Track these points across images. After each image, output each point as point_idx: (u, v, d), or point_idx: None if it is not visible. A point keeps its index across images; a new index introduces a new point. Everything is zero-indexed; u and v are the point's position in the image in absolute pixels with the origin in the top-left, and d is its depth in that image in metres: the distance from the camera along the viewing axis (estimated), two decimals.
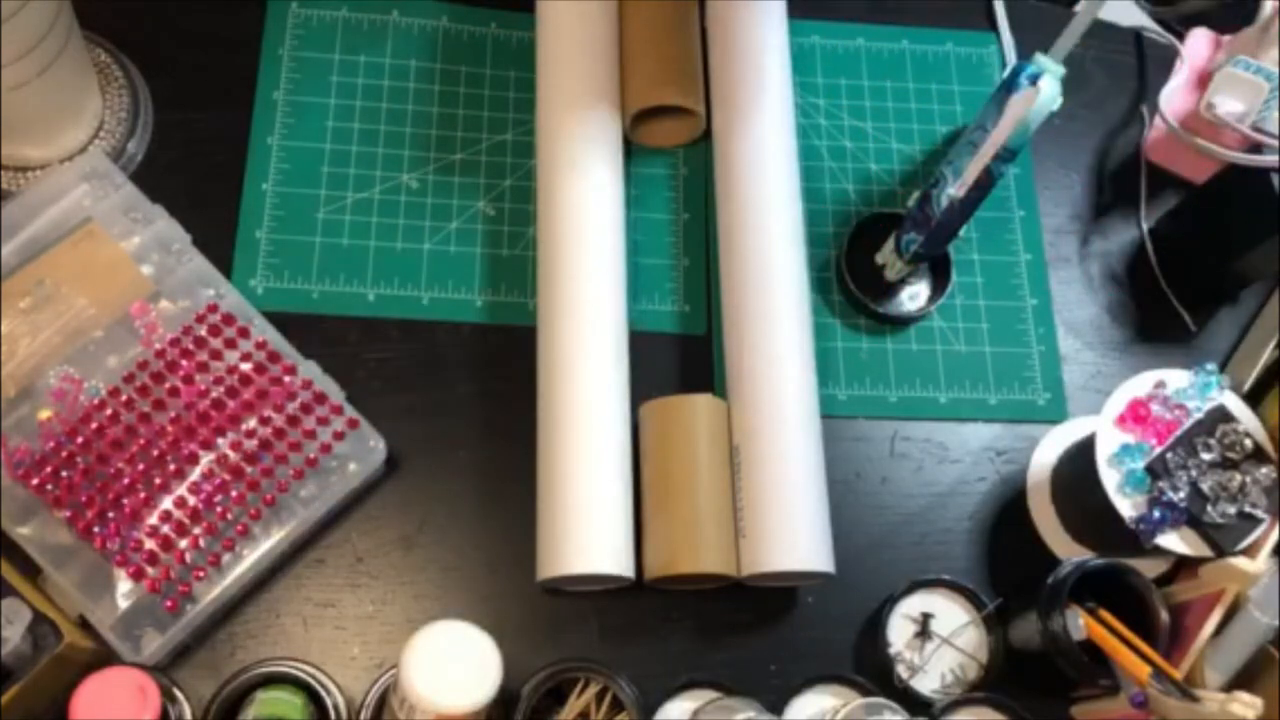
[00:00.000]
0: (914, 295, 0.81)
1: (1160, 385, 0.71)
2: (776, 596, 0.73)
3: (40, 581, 0.66)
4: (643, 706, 0.67)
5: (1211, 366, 0.71)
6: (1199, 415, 0.70)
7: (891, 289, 0.81)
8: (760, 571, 0.69)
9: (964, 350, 0.81)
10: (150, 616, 0.65)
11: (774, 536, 0.69)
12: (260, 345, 0.71)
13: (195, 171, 0.78)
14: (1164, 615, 0.68)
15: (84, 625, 0.66)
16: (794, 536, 0.69)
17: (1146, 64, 0.92)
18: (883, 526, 0.76)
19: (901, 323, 0.80)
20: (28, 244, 0.71)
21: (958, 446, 0.79)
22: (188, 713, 0.64)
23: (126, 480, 0.67)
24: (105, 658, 0.65)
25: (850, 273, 0.80)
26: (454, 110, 0.82)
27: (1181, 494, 0.68)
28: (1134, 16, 0.91)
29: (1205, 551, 0.69)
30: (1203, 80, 0.86)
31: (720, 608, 0.73)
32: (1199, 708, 0.63)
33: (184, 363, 0.70)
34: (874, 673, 0.71)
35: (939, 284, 0.81)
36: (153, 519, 0.67)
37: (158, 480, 0.68)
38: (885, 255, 0.80)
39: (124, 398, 0.69)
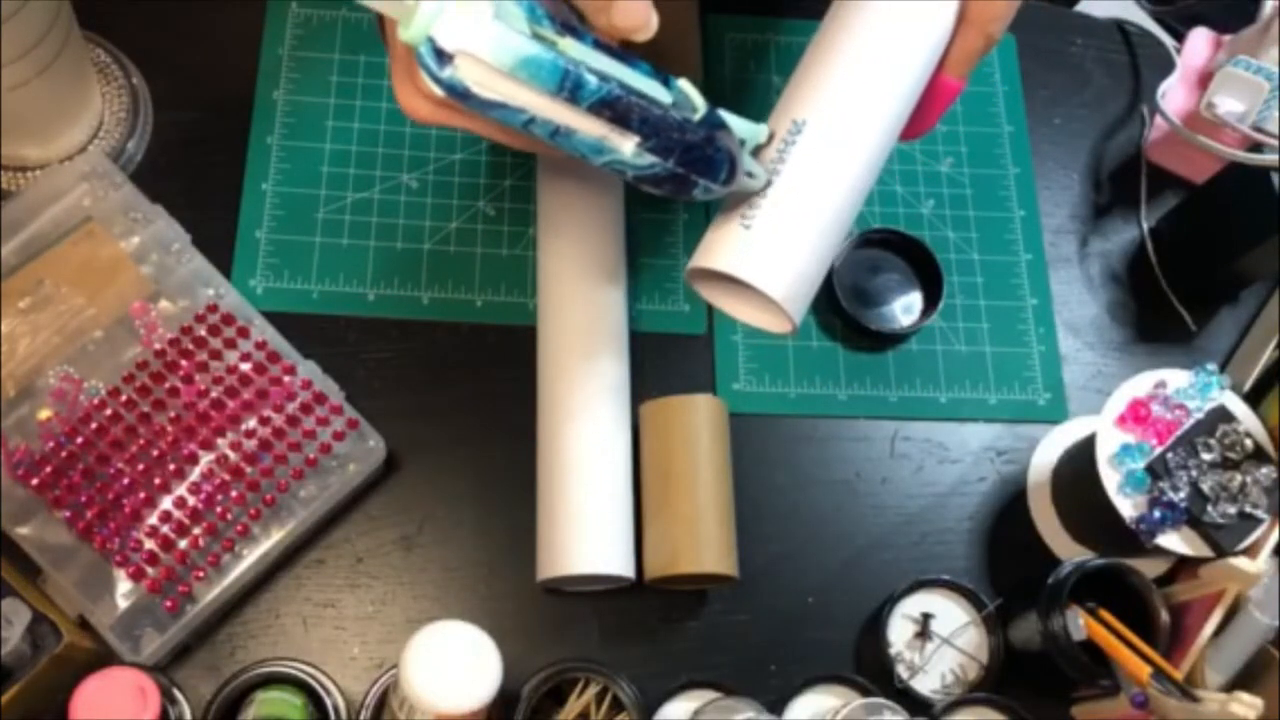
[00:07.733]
0: (907, 308, 0.81)
1: (1160, 385, 0.71)
2: (777, 596, 0.73)
3: (40, 581, 0.66)
4: (643, 706, 0.67)
5: (1211, 366, 0.71)
6: (1199, 415, 0.70)
7: (882, 300, 0.80)
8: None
9: (964, 350, 0.81)
10: (150, 616, 0.65)
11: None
12: (260, 345, 0.71)
13: (195, 171, 0.78)
14: (1164, 615, 0.68)
15: (84, 625, 0.66)
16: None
17: (1145, 63, 0.91)
18: (883, 526, 0.76)
19: (897, 339, 0.80)
20: (28, 244, 0.71)
21: (958, 446, 0.79)
22: (188, 713, 0.64)
23: (126, 480, 0.67)
24: (105, 658, 0.65)
25: (842, 290, 0.79)
26: None
27: (1181, 494, 0.68)
28: (1133, 16, 0.91)
29: (1205, 551, 0.69)
30: (1202, 80, 0.86)
31: (720, 608, 0.73)
32: (1199, 708, 0.63)
33: (184, 363, 0.70)
34: (874, 673, 0.71)
35: (931, 296, 0.80)
36: (153, 519, 0.67)
37: (158, 480, 0.68)
38: None
39: (124, 398, 0.69)
